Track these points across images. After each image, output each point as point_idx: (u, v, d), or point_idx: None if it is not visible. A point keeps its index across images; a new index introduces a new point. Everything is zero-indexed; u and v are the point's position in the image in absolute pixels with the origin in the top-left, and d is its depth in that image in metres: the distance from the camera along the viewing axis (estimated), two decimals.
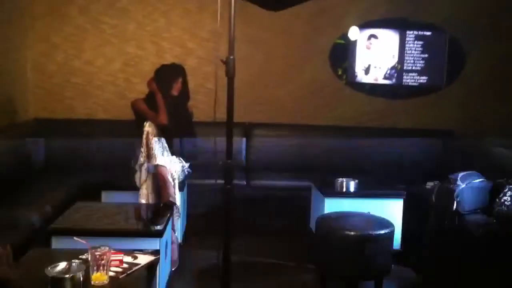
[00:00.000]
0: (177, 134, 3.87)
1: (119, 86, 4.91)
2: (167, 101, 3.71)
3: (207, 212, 4.02)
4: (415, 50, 5.07)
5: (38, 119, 4.73)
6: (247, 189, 4.39)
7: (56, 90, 4.87)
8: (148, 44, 4.91)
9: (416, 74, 5.10)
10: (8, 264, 1.25)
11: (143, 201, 3.54)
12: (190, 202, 4.05)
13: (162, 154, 3.59)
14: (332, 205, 3.77)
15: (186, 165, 3.82)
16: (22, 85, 4.68)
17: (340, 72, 5.10)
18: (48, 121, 4.71)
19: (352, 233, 3.23)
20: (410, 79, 5.10)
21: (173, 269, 3.39)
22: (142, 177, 3.55)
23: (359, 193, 3.89)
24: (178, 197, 3.60)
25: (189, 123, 3.96)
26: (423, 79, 5.10)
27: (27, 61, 4.76)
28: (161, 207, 3.42)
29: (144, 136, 3.54)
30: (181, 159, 3.82)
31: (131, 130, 3.94)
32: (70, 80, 4.87)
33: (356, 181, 3.91)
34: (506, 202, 3.51)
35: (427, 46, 5.06)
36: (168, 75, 3.79)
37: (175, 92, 3.78)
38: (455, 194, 3.69)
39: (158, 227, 3.00)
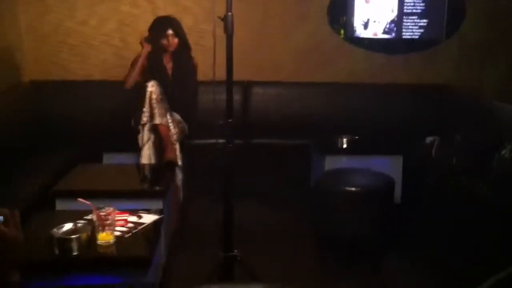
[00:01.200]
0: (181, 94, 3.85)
1: (115, 46, 4.84)
2: (158, 58, 3.68)
3: (207, 172, 4.02)
4: (414, 2, 4.98)
5: (34, 81, 4.67)
6: (246, 148, 4.39)
7: (51, 52, 4.80)
8: (142, 2, 4.81)
9: (415, 27, 5.03)
10: (15, 227, 1.26)
11: (145, 161, 3.55)
12: (189, 162, 4.06)
13: (165, 115, 3.58)
14: (332, 163, 3.79)
15: (186, 125, 3.83)
16: (17, 48, 4.61)
17: (338, 28, 5.03)
18: (44, 84, 4.65)
19: (353, 188, 3.26)
20: (409, 33, 5.03)
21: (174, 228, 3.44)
22: (144, 137, 3.55)
23: (359, 150, 3.91)
24: (179, 157, 3.62)
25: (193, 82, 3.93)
26: (422, 32, 5.03)
27: (21, 23, 4.67)
28: (163, 167, 3.44)
29: (147, 95, 3.52)
30: (182, 119, 3.82)
31: (129, 91, 3.94)
32: (65, 41, 4.80)
33: (356, 137, 3.92)
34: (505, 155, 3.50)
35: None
36: (155, 28, 3.74)
37: (170, 47, 3.72)
38: (455, 148, 3.72)
39: (161, 187, 3.02)
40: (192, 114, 3.94)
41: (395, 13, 4.98)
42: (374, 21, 5.00)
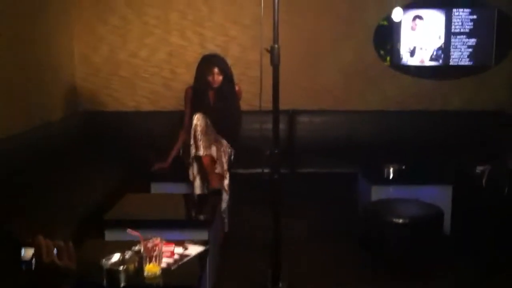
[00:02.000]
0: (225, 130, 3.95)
1: (164, 77, 4.98)
2: (203, 93, 3.79)
3: (252, 201, 4.04)
4: (462, 29, 4.91)
5: (88, 112, 4.85)
6: (292, 177, 4.39)
7: (102, 83, 4.98)
8: (191, 33, 4.94)
9: (463, 53, 4.95)
10: (69, 258, 1.30)
11: (199, 192, 3.65)
12: (235, 191, 4.09)
13: (209, 147, 3.67)
14: (378, 192, 3.73)
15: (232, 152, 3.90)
16: (70, 78, 4.81)
17: (384, 55, 5.01)
18: (97, 114, 4.83)
19: (400, 220, 3.20)
20: (457, 60, 4.95)
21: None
22: (194, 169, 3.66)
23: (406, 180, 3.84)
24: (227, 185, 3.68)
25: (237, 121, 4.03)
26: (470, 58, 4.94)
27: (74, 54, 4.88)
28: (209, 196, 3.48)
29: (193, 128, 3.63)
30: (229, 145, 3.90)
31: (177, 120, 4.06)
32: (116, 72, 4.97)
33: (403, 167, 3.85)
34: None
35: (474, 24, 4.89)
36: (202, 65, 3.87)
37: (214, 83, 3.83)
38: (507, 177, 3.61)
39: (206, 217, 3.06)
40: (235, 141, 4.01)
41: (442, 40, 4.92)
42: (421, 48, 4.96)
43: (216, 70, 3.83)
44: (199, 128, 3.62)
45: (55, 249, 1.30)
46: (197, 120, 3.65)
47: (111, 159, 4.31)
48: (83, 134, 4.57)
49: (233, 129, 4.03)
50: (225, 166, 3.76)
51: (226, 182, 3.75)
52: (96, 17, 4.87)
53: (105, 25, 4.89)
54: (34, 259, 1.28)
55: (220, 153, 3.77)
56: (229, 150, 3.92)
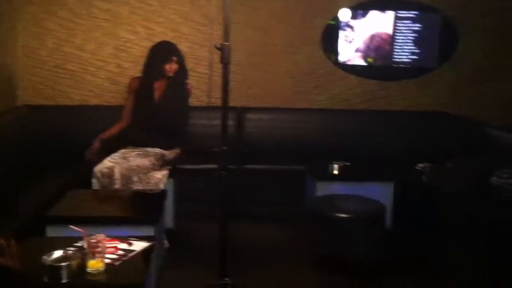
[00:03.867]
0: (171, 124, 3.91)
1: (110, 71, 4.90)
2: (149, 81, 3.77)
3: (199, 198, 4.04)
4: (406, 31, 5.08)
5: (29, 105, 4.71)
6: (240, 173, 4.41)
7: (47, 76, 4.85)
8: (140, 28, 4.88)
9: (407, 55, 5.12)
10: (12, 256, 1.29)
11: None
12: (182, 186, 4.08)
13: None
14: (324, 188, 3.82)
15: (166, 152, 3.87)
16: (13, 71, 4.66)
17: (330, 55, 5.11)
18: (39, 108, 4.69)
19: (343, 214, 3.30)
20: (401, 61, 5.12)
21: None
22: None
23: (350, 176, 3.94)
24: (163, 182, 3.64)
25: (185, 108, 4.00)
26: (414, 60, 5.12)
27: (19, 46, 4.73)
28: (155, 194, 3.45)
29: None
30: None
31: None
32: (62, 66, 4.85)
33: (348, 164, 3.96)
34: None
35: (419, 26, 5.06)
36: (160, 51, 3.82)
37: (170, 72, 3.80)
38: (446, 174, 3.77)
39: (152, 214, 3.04)
40: (180, 137, 3.99)
41: (388, 40, 5.07)
42: (366, 49, 5.09)
43: (175, 58, 3.79)
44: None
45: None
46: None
47: (55, 154, 4.20)
48: (23, 128, 4.42)
49: (177, 127, 4.00)
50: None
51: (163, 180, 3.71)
52: (43, 9, 4.73)
53: (53, 17, 4.75)
54: None
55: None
56: (160, 155, 3.86)
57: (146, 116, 3.89)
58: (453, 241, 3.41)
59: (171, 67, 3.80)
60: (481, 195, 3.53)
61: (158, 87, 3.91)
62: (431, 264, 3.46)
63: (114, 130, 4.01)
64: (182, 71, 3.88)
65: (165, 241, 3.52)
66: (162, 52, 3.83)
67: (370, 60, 5.12)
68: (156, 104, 3.88)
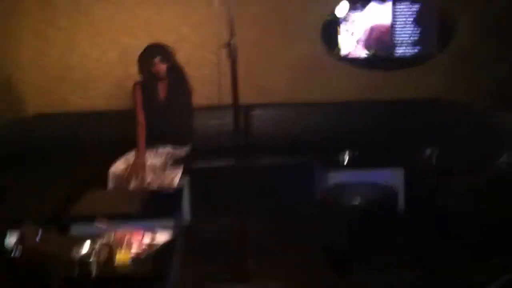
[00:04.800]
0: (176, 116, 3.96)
1: (116, 76, 4.95)
2: (151, 85, 3.82)
3: (213, 193, 4.09)
4: (405, 21, 5.14)
5: (38, 114, 4.76)
6: (250, 169, 4.46)
7: (53, 85, 4.91)
8: (140, 32, 4.93)
9: (407, 44, 5.18)
10: (52, 241, 1.34)
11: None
12: (195, 184, 4.13)
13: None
14: (335, 178, 3.87)
15: (177, 151, 3.92)
16: (19, 81, 4.72)
17: (332, 48, 5.17)
18: (48, 116, 4.75)
19: (357, 201, 3.35)
20: (402, 51, 5.18)
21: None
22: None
23: (361, 165, 3.99)
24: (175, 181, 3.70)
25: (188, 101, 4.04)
26: (414, 49, 5.18)
27: (23, 57, 4.79)
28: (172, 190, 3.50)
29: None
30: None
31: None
32: (67, 74, 4.91)
33: (356, 152, 4.01)
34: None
35: (417, 16, 5.13)
36: (144, 58, 3.87)
37: (159, 73, 3.85)
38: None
39: (172, 208, 3.10)
40: (189, 136, 4.04)
41: (387, 32, 5.13)
42: (366, 40, 5.15)
43: (156, 59, 3.83)
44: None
45: (39, 234, 1.33)
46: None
47: (67, 160, 4.26)
48: (32, 136, 4.49)
49: (185, 125, 4.05)
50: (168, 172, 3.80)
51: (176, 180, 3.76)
52: (44, 20, 4.79)
53: (53, 27, 4.81)
54: (18, 245, 1.29)
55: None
56: (172, 153, 3.93)
57: (155, 116, 3.94)
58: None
59: (158, 68, 3.84)
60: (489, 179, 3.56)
61: (161, 87, 3.97)
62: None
63: (142, 136, 3.91)
64: (174, 68, 3.92)
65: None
66: (144, 57, 3.88)
67: (371, 51, 5.18)
68: (162, 103, 3.94)
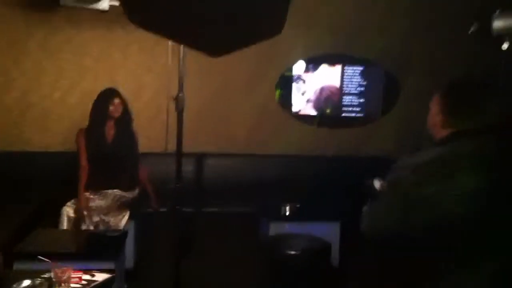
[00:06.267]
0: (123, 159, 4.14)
1: (75, 119, 5.10)
2: (100, 125, 4.02)
3: (159, 238, 4.23)
4: (353, 84, 5.54)
5: None
6: (198, 215, 4.65)
7: (12, 124, 5.03)
8: (104, 77, 5.11)
9: (354, 106, 5.56)
10: None
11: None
12: (141, 227, 4.27)
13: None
14: (276, 229, 4.11)
15: (125, 193, 4.09)
16: None
17: (285, 104, 5.49)
18: (5, 155, 4.86)
19: (293, 251, 3.57)
20: (349, 111, 5.55)
21: None
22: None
23: (300, 217, 4.25)
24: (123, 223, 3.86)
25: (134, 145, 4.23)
26: (360, 111, 5.57)
27: None
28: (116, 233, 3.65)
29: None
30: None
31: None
32: (27, 114, 5.04)
33: (298, 205, 4.27)
34: None
35: (365, 80, 5.53)
36: (103, 97, 4.08)
37: (115, 113, 4.05)
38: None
39: (113, 250, 3.25)
40: (135, 180, 4.21)
41: (336, 93, 5.51)
42: (317, 99, 5.51)
43: (117, 100, 4.06)
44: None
45: None
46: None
47: (19, 197, 4.36)
48: None
49: (131, 169, 4.21)
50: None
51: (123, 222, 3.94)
52: (10, 59, 4.96)
53: (18, 67, 4.98)
54: None
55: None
56: (121, 198, 4.08)
57: (102, 159, 4.10)
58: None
59: (115, 108, 4.05)
60: None
61: (108, 129, 4.15)
62: None
63: (84, 178, 4.06)
64: (127, 113, 4.14)
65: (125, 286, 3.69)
66: (105, 94, 4.10)
67: (319, 110, 5.53)
68: (109, 145, 4.11)
